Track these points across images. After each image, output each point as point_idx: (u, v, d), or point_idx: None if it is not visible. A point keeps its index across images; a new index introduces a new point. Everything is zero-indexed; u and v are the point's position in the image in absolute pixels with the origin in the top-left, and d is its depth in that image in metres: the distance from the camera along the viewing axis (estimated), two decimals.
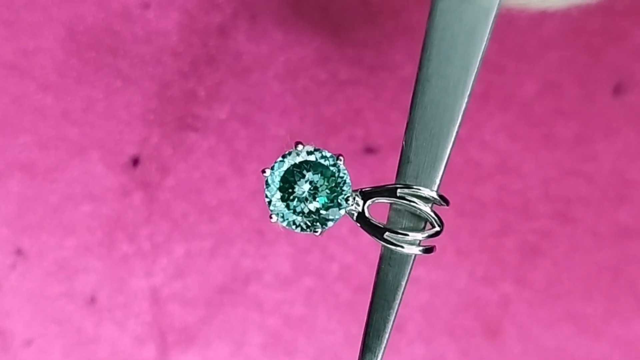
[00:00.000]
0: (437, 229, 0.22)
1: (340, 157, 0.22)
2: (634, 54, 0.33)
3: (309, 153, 0.22)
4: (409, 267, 0.23)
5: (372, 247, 0.33)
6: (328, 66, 0.33)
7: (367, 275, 0.34)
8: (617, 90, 0.33)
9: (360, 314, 0.34)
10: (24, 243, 0.32)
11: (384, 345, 0.23)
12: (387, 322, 0.23)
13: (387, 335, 0.23)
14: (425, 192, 0.22)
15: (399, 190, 0.22)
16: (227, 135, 0.32)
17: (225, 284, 0.33)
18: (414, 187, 0.22)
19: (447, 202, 0.22)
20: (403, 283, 0.23)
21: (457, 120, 0.22)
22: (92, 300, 0.33)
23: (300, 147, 0.22)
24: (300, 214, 0.22)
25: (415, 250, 0.22)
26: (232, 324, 0.33)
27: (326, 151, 0.22)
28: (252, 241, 0.33)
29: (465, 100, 0.22)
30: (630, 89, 0.33)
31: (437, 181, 0.22)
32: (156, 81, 0.32)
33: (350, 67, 0.33)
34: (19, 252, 0.32)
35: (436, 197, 0.22)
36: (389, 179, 0.33)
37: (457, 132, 0.22)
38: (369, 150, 0.33)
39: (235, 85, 0.32)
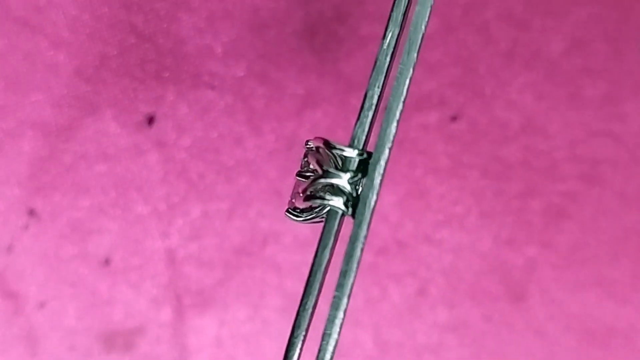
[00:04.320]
0: None
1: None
2: None
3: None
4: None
5: (394, 208, 0.33)
6: (348, 22, 0.32)
7: (388, 238, 0.33)
8: None
9: (381, 277, 0.33)
10: (36, 204, 0.32)
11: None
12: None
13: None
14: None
15: None
16: (244, 94, 0.32)
17: (242, 245, 0.32)
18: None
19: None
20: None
21: None
22: (107, 261, 0.32)
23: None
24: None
25: None
26: (250, 286, 0.33)
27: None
28: (270, 202, 0.32)
29: None
30: None
31: None
32: (171, 37, 0.31)
33: (371, 23, 0.32)
34: (31, 212, 0.32)
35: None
36: (412, 138, 0.32)
37: None
38: None
39: (252, 41, 0.31)
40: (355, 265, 0.20)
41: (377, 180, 0.19)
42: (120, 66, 0.31)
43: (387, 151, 0.19)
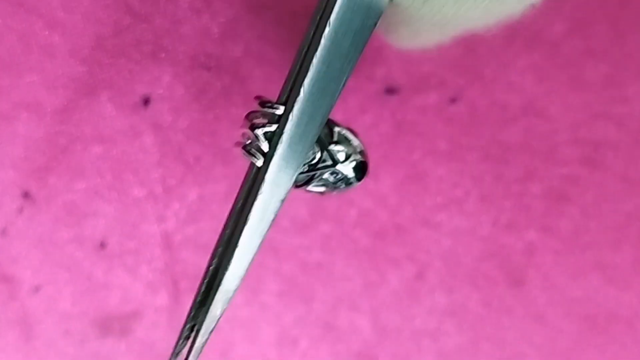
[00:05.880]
0: None
1: None
2: None
3: None
4: None
5: (392, 191, 0.32)
6: None
7: (387, 221, 0.33)
8: None
9: (379, 262, 0.33)
10: (31, 186, 0.31)
11: None
12: None
13: None
14: None
15: None
16: (242, 75, 0.31)
17: None
18: None
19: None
20: None
21: None
22: (102, 245, 0.32)
23: None
24: None
25: None
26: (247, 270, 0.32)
27: None
28: None
29: None
30: None
31: None
32: (167, 18, 0.31)
33: None
34: (26, 195, 0.31)
35: None
36: (411, 121, 0.32)
37: None
38: (390, 90, 0.32)
39: (250, 22, 0.31)
40: None
41: None
42: (116, 47, 0.31)
43: None
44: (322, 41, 0.22)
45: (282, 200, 0.23)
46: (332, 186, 0.24)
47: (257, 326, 0.33)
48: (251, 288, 0.32)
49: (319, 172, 0.24)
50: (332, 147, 0.24)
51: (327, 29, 0.22)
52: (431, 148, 0.32)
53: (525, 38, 0.32)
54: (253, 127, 0.23)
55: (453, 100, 0.32)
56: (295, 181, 0.23)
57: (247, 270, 0.23)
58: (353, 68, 0.22)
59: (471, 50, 0.31)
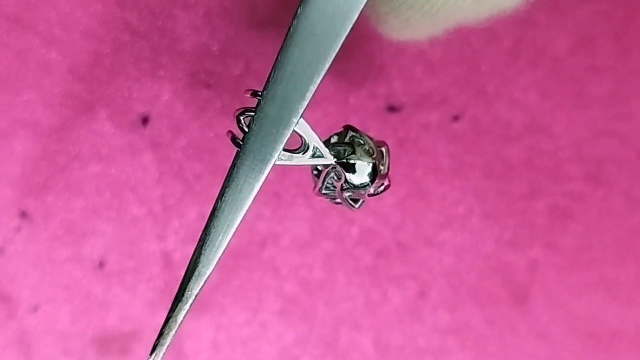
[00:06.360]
0: None
1: None
2: None
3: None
4: None
5: (394, 209, 0.32)
6: None
7: (389, 239, 0.32)
8: None
9: (382, 280, 0.33)
10: (28, 205, 0.31)
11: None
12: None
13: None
14: None
15: None
16: (242, 93, 0.31)
17: (240, 248, 0.32)
18: None
19: None
20: None
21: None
22: (101, 264, 0.31)
23: None
24: None
25: None
26: (248, 289, 0.32)
27: None
28: (268, 204, 0.32)
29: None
30: None
31: None
32: (166, 35, 0.30)
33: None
34: (23, 214, 0.31)
35: None
36: (413, 138, 0.32)
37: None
38: (392, 108, 0.31)
39: (250, 39, 0.31)
40: None
41: None
42: (115, 64, 0.30)
43: None
44: (295, 21, 0.22)
45: (260, 182, 0.23)
46: (341, 188, 0.24)
47: (258, 345, 0.32)
48: (251, 307, 0.32)
49: (320, 167, 0.24)
50: (338, 147, 0.24)
51: (300, 9, 0.22)
52: (434, 165, 0.32)
53: (528, 54, 0.31)
54: (239, 116, 0.23)
55: (456, 118, 0.31)
56: (316, 184, 0.24)
57: (223, 251, 0.23)
58: (332, 54, 0.22)
59: (474, 67, 0.31)
